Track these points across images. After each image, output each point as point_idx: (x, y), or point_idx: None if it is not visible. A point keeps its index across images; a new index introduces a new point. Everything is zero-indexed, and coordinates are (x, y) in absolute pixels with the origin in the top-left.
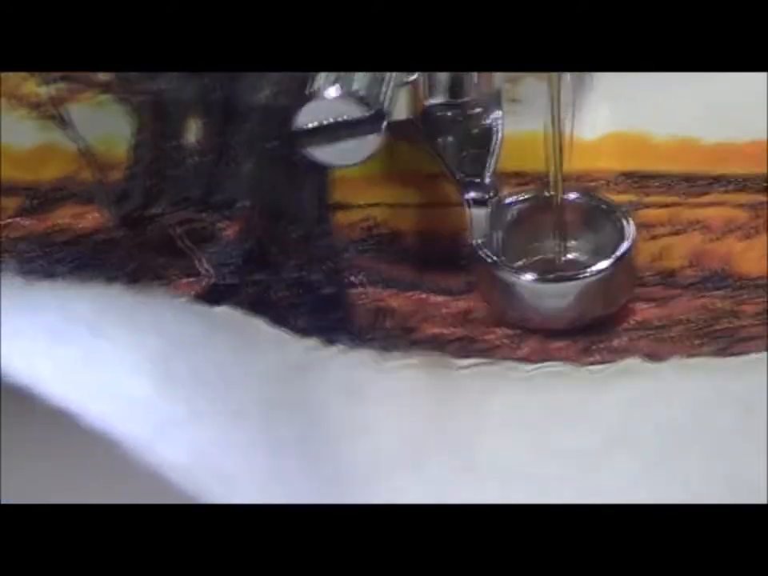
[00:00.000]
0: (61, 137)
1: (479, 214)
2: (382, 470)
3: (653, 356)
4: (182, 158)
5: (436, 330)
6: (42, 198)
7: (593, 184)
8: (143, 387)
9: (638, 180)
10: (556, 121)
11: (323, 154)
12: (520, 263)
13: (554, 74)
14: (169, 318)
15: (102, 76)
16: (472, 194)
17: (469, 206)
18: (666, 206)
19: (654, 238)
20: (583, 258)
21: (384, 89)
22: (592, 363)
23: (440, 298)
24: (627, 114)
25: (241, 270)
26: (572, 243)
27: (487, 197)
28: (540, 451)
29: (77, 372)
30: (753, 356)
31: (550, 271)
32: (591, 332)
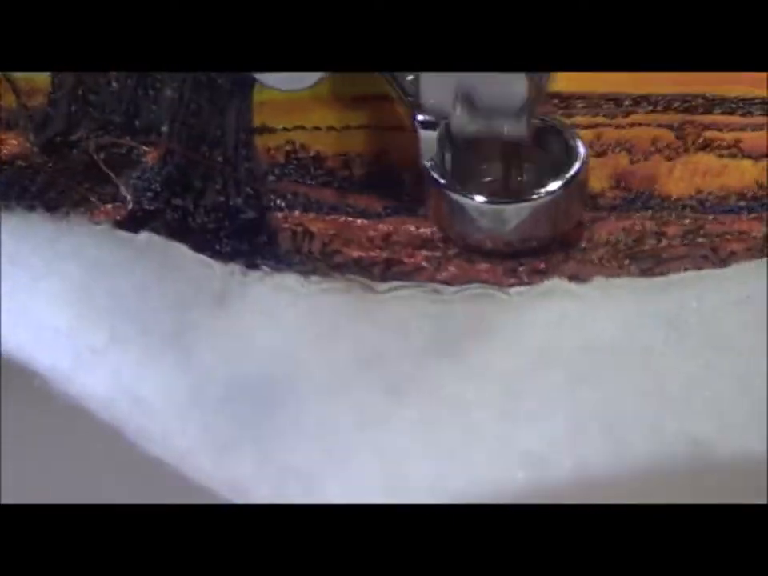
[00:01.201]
0: None
1: (429, 136)
2: (305, 393)
3: (576, 277)
4: (104, 83)
5: (358, 254)
6: None
7: None
8: (63, 316)
9: (563, 100)
10: None
11: (273, 79)
12: (470, 185)
13: None
14: (89, 245)
15: None
16: (421, 117)
17: (419, 128)
18: (591, 126)
19: None
20: (534, 179)
21: None
22: (515, 285)
23: (362, 221)
24: None
25: (162, 195)
26: (523, 165)
27: (437, 119)
28: (463, 373)
29: None
30: (677, 275)
31: (501, 193)
32: (515, 255)
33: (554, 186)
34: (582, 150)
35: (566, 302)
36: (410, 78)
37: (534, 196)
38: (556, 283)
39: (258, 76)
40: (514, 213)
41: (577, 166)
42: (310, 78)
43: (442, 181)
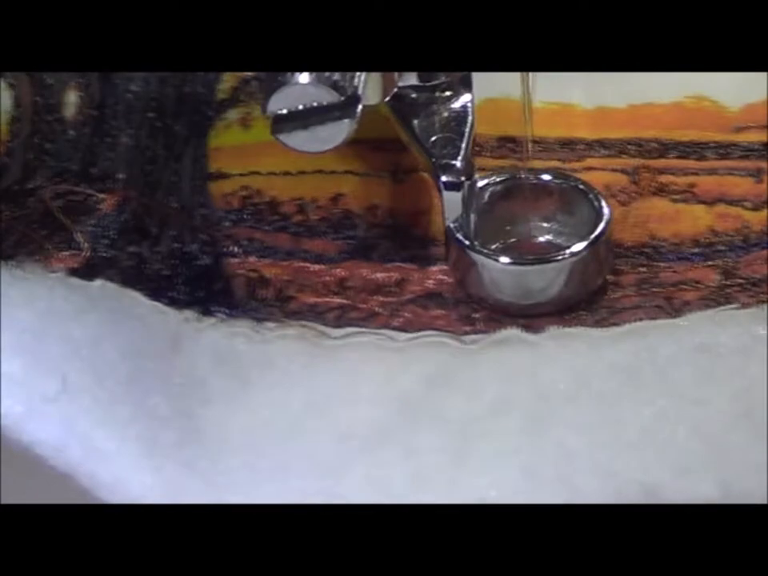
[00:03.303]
0: None
1: (453, 198)
2: (258, 442)
3: (530, 327)
4: (60, 131)
5: (313, 299)
6: None
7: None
8: (15, 364)
9: (518, 144)
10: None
11: (296, 140)
12: (495, 246)
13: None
14: (42, 294)
15: None
16: (446, 178)
17: (443, 190)
18: (546, 170)
19: None
20: (559, 239)
21: (356, 73)
22: (470, 333)
23: (317, 267)
24: (506, 81)
25: (118, 242)
26: (547, 225)
27: (461, 180)
28: (416, 421)
29: None
30: (631, 325)
31: (526, 254)
32: (540, 315)
33: (579, 246)
34: (606, 210)
35: (520, 350)
36: (433, 138)
37: (559, 257)
38: (510, 333)
39: (281, 137)
40: (539, 274)
41: (602, 226)
42: (333, 140)
43: (466, 242)
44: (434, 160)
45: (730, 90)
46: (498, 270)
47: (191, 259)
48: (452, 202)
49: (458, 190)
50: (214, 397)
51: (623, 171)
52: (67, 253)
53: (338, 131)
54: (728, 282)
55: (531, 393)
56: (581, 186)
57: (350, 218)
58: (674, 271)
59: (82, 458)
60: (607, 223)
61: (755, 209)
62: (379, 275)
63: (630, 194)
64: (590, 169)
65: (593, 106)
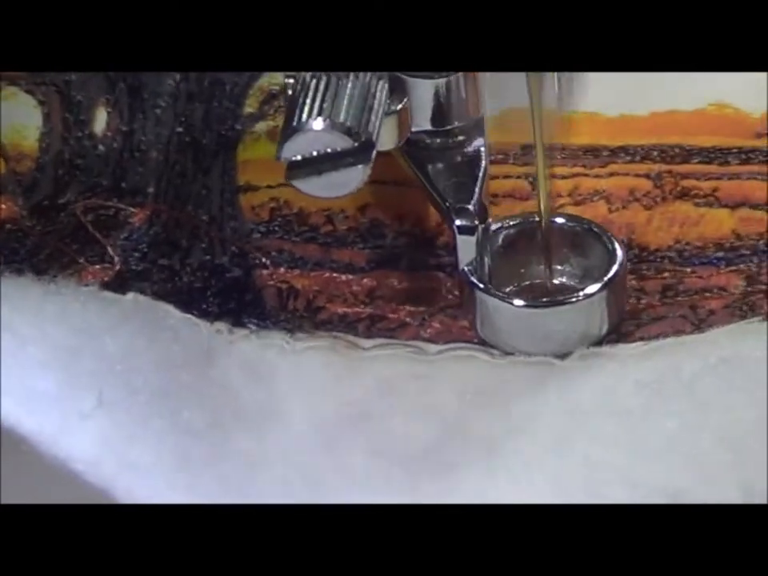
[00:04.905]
0: None
1: (467, 241)
2: (292, 454)
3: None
4: (90, 146)
5: (343, 309)
6: None
7: (499, 156)
8: (49, 380)
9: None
10: (540, 150)
11: (310, 185)
12: (509, 289)
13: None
14: (76, 309)
15: None
16: (460, 222)
17: (457, 233)
18: (569, 177)
19: (558, 208)
20: (572, 282)
21: (371, 119)
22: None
23: (346, 276)
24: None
25: (149, 255)
26: (561, 267)
27: (475, 224)
28: (447, 433)
29: None
30: (656, 342)
31: (540, 296)
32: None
33: (593, 288)
34: (620, 252)
35: (548, 367)
36: (447, 183)
37: (573, 299)
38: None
39: (296, 183)
40: (554, 316)
41: (615, 268)
42: (348, 186)
43: (481, 285)
44: (447, 204)
45: (752, 97)
46: (512, 311)
47: (222, 271)
48: (466, 246)
49: (472, 234)
50: (246, 409)
51: (647, 176)
52: (99, 267)
53: (353, 177)
54: (751, 289)
55: (559, 408)
56: (594, 229)
57: (378, 227)
58: (699, 276)
59: (116, 473)
60: (621, 265)
61: None
62: (407, 285)
63: (653, 198)
64: (613, 174)
65: (616, 113)
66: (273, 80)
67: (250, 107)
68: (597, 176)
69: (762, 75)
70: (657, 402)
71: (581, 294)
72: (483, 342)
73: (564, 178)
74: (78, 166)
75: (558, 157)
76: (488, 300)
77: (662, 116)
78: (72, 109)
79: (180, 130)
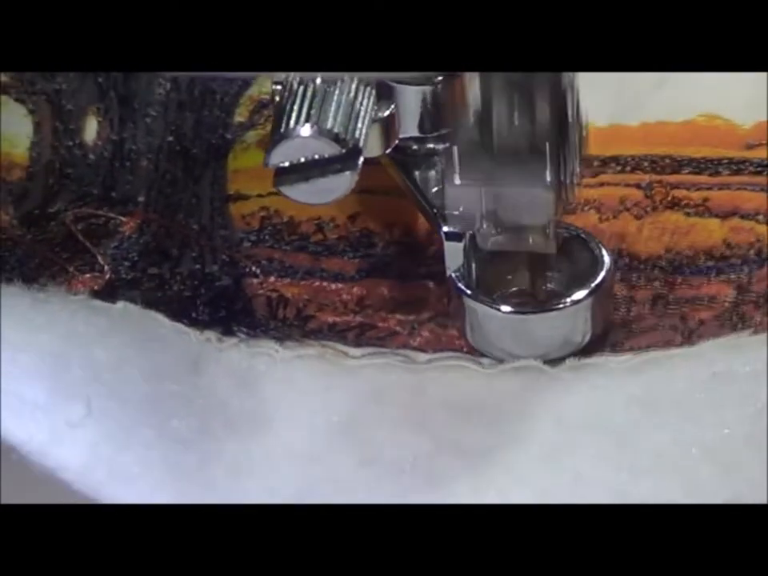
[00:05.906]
0: None
1: (455, 247)
2: (281, 463)
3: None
4: (81, 155)
5: (333, 318)
6: None
7: None
8: (39, 389)
9: None
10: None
11: (298, 192)
12: (496, 295)
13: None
14: (66, 317)
15: None
16: (447, 228)
17: (444, 240)
18: None
19: None
20: (560, 288)
21: (358, 125)
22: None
23: (336, 285)
24: None
25: (139, 264)
26: (548, 274)
27: (462, 230)
28: (435, 444)
29: None
30: (647, 354)
31: (527, 302)
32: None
33: (580, 294)
34: (607, 259)
35: (538, 378)
36: (435, 190)
37: (560, 305)
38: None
39: (283, 189)
40: (540, 322)
41: (602, 274)
42: (335, 192)
43: (468, 291)
44: (435, 210)
45: (742, 109)
46: (499, 318)
47: (211, 280)
48: (454, 252)
49: (460, 240)
50: (235, 418)
51: (637, 186)
52: (89, 275)
53: (340, 183)
54: (742, 298)
55: (548, 420)
56: (582, 235)
57: (367, 236)
58: (690, 286)
59: (105, 481)
60: (608, 271)
61: None
62: (397, 293)
63: (643, 207)
64: (604, 184)
65: (606, 124)
66: (263, 89)
67: (240, 116)
68: (587, 186)
69: (750, 86)
70: (647, 416)
71: (568, 300)
72: (473, 351)
73: None
74: (69, 175)
75: None
76: (475, 306)
77: (652, 126)
78: (63, 118)
79: (170, 138)
